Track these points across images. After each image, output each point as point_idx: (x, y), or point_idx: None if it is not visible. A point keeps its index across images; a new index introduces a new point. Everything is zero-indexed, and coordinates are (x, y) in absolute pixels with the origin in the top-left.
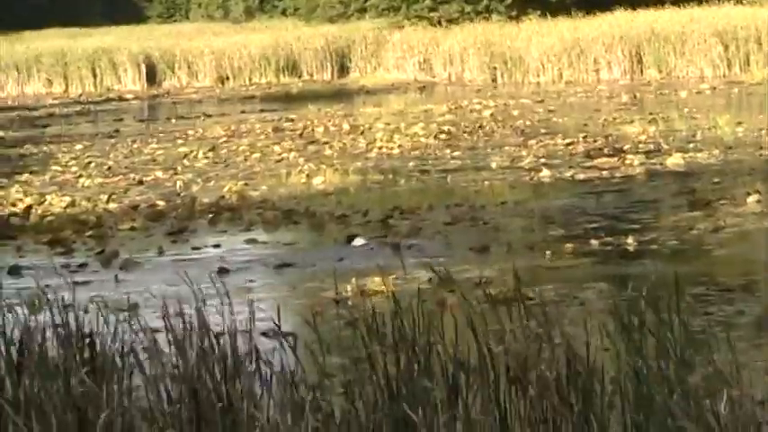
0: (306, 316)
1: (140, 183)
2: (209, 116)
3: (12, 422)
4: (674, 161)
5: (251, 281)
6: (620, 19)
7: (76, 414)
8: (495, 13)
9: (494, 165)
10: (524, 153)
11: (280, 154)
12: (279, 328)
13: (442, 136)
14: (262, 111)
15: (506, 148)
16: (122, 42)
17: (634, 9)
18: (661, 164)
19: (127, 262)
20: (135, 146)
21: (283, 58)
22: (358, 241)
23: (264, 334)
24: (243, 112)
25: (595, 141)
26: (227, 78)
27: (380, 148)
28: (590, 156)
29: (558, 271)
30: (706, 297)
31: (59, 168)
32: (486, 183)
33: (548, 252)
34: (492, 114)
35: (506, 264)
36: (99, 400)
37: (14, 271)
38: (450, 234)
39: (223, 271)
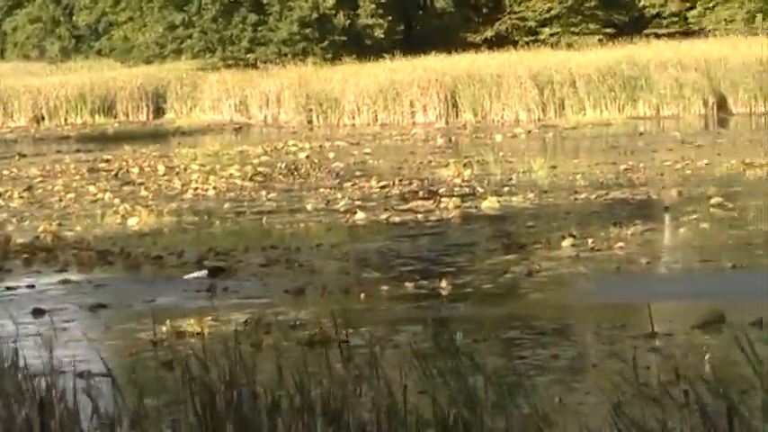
0: (121, 357)
1: None
2: (24, 156)
3: None
4: (489, 204)
5: (66, 321)
6: (435, 62)
7: None
8: (311, 56)
9: (309, 207)
10: (340, 195)
11: (95, 194)
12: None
13: (258, 178)
14: (77, 151)
15: (322, 190)
16: None
17: (450, 53)
18: (476, 207)
19: None
20: None
21: (99, 98)
22: (194, 274)
23: (80, 375)
24: (58, 152)
25: (411, 184)
26: (43, 118)
27: (196, 189)
28: (405, 199)
29: (373, 313)
30: (520, 341)
31: None
32: (302, 225)
33: (363, 295)
34: (308, 156)
35: (322, 306)
36: None
37: None
38: (265, 276)
39: (38, 312)
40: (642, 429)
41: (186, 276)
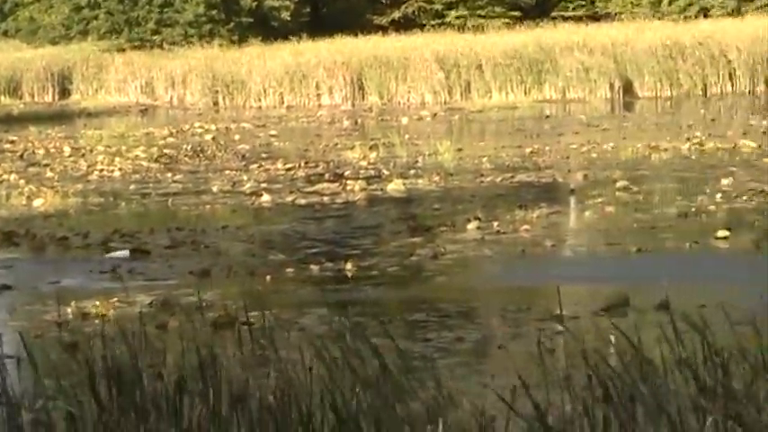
0: (26, 339)
1: None
2: None
3: None
4: (395, 187)
5: None
6: (342, 44)
7: None
8: (217, 37)
9: (215, 189)
10: (245, 177)
11: (0, 175)
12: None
13: (164, 159)
14: None
15: (227, 172)
16: None
17: (356, 35)
18: (382, 190)
19: None
20: None
21: (5, 79)
22: (117, 253)
23: None
24: None
25: (316, 167)
26: None
27: (101, 170)
28: (311, 181)
29: (278, 295)
30: (425, 323)
31: None
32: (208, 207)
33: (268, 277)
34: (213, 138)
35: (227, 288)
36: None
37: None
38: (171, 257)
39: None
40: (543, 412)
41: (108, 255)
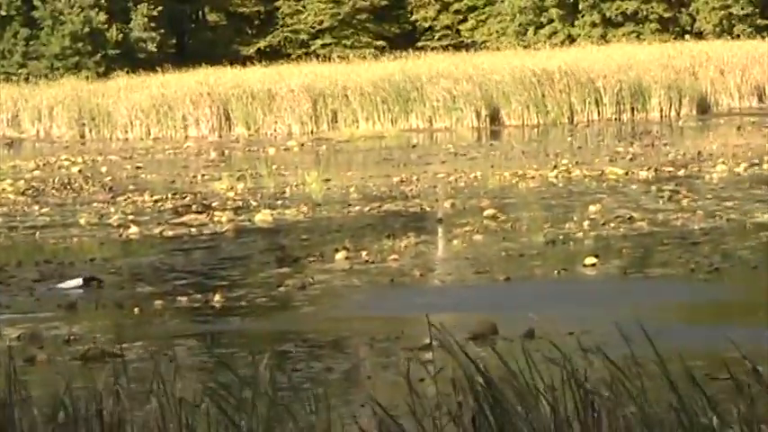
0: None
1: None
2: None
3: None
4: (263, 218)
5: None
6: (207, 75)
7: None
8: (84, 70)
9: (82, 221)
10: (113, 210)
11: None
12: None
13: (30, 192)
14: None
15: (95, 204)
16: None
17: (223, 65)
18: (249, 220)
19: None
20: None
21: None
22: (69, 283)
23: None
24: None
25: (184, 198)
26: None
27: None
28: (178, 213)
29: (147, 327)
30: (294, 354)
31: None
32: (75, 239)
33: (137, 309)
34: (80, 171)
35: (95, 321)
36: None
37: None
38: (38, 291)
39: None
40: None
41: (60, 285)
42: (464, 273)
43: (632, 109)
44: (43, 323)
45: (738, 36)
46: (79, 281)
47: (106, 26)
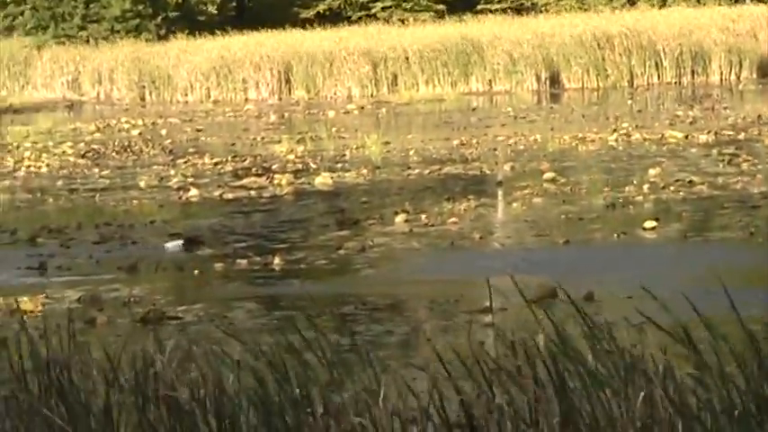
0: None
1: None
2: None
3: None
4: (323, 180)
5: None
6: (268, 38)
7: None
8: (144, 32)
9: (142, 184)
10: (173, 173)
11: None
12: None
13: (91, 155)
14: None
15: (155, 167)
16: None
17: (283, 28)
18: (309, 183)
19: None
20: None
21: None
22: (172, 245)
23: None
24: None
25: (244, 161)
26: None
27: (28, 166)
28: (238, 175)
29: (207, 290)
30: (354, 316)
31: None
32: (135, 202)
33: (196, 271)
34: (140, 134)
35: (155, 283)
36: None
37: None
38: (98, 253)
39: None
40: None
41: (166, 245)
42: (523, 236)
43: (692, 72)
44: (103, 285)
45: None
46: (180, 242)
47: None
